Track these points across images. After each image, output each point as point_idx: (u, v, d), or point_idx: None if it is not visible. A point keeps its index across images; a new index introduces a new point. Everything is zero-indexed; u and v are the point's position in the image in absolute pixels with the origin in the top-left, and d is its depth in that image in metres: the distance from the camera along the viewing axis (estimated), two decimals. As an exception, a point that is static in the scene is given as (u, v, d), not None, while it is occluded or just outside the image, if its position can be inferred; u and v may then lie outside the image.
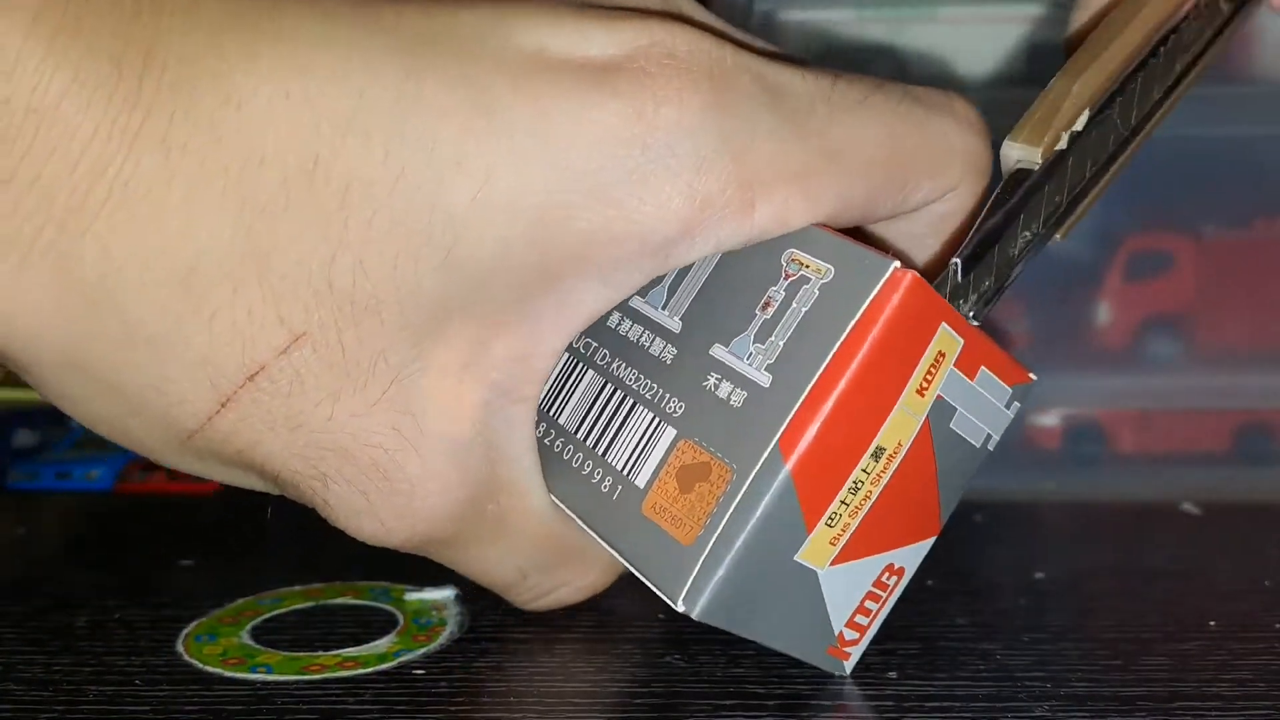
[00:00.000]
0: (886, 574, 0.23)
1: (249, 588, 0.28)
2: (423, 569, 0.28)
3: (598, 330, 0.24)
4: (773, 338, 0.21)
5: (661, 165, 0.20)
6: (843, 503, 0.21)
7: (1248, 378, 0.38)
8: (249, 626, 0.26)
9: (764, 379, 0.21)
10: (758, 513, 0.21)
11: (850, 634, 0.23)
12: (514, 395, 0.22)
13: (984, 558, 0.30)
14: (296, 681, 0.23)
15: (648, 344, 0.23)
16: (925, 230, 0.24)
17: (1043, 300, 0.38)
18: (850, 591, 0.23)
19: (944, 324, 0.21)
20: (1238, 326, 0.38)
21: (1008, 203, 0.22)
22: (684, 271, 0.23)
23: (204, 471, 0.22)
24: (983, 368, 0.23)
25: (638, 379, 0.23)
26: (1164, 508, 0.33)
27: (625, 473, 0.22)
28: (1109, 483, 0.37)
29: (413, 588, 0.28)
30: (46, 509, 0.36)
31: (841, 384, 0.20)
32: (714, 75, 0.21)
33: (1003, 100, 0.35)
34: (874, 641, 0.24)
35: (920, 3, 0.35)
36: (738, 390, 0.21)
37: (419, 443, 0.21)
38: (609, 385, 0.23)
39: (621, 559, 0.22)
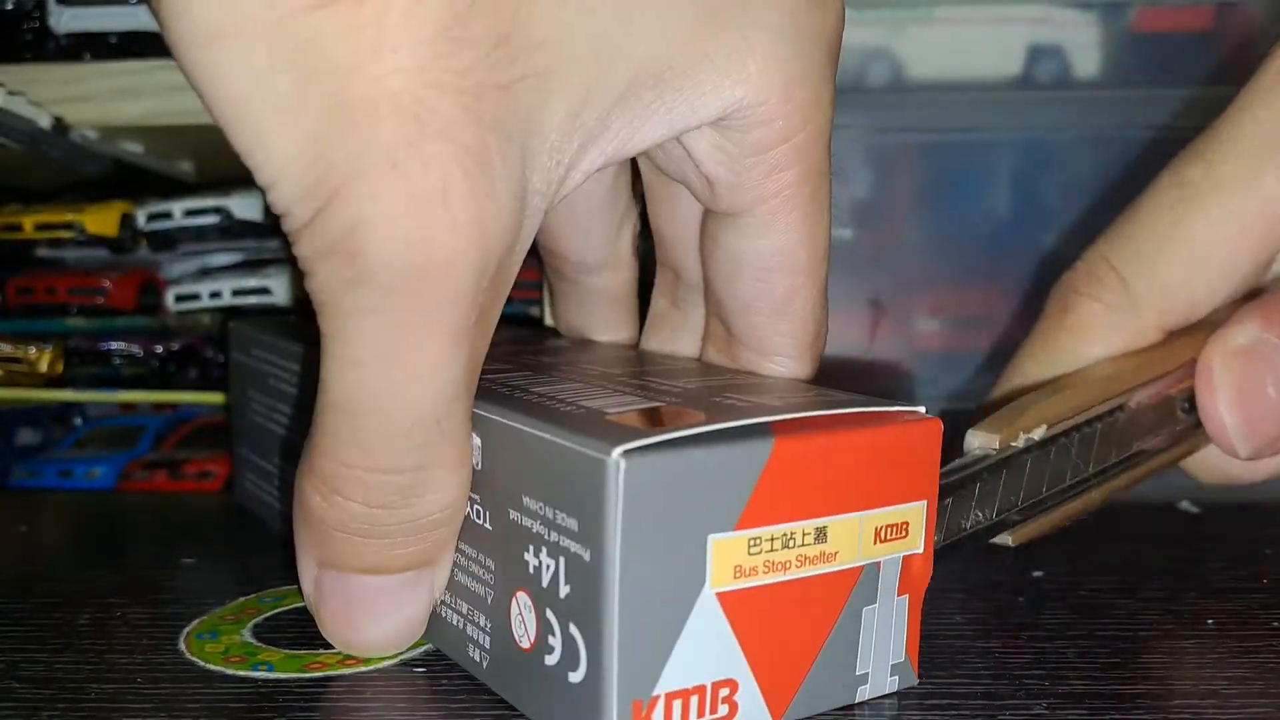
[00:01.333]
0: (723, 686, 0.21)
1: (251, 586, 0.28)
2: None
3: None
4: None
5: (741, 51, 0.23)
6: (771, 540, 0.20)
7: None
8: (251, 624, 0.26)
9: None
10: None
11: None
12: (547, 191, 0.22)
13: (982, 556, 0.30)
14: (298, 679, 0.23)
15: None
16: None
17: (1040, 301, 0.38)
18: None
19: (927, 500, 0.22)
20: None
21: (964, 471, 0.24)
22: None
23: (270, 75, 0.19)
24: (908, 596, 0.23)
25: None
26: (1163, 506, 0.33)
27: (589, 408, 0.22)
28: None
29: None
30: (49, 507, 0.37)
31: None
32: None
33: (1002, 101, 0.36)
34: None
35: (918, 4, 0.35)
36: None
37: (504, 158, 0.20)
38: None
39: (542, 435, 0.21)
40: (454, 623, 0.24)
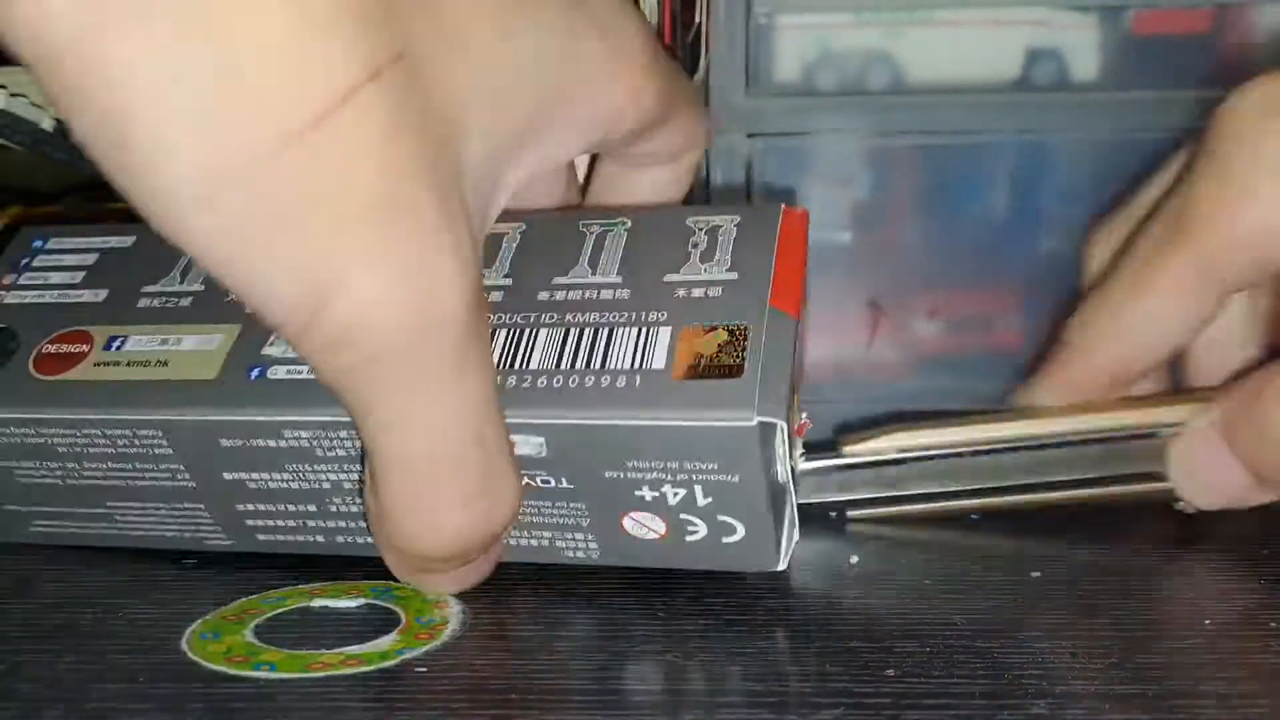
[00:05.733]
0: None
1: (252, 586, 0.28)
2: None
3: (532, 304, 0.26)
4: (717, 256, 0.26)
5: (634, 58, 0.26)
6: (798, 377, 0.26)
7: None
8: (252, 625, 0.26)
9: (731, 275, 0.26)
10: (789, 347, 0.24)
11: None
12: (481, 214, 0.24)
13: (980, 557, 0.30)
14: (300, 679, 0.23)
15: (595, 296, 0.26)
16: (664, 182, 0.30)
17: (1042, 301, 0.38)
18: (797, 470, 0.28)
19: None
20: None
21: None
22: (597, 250, 0.27)
23: (235, 226, 0.20)
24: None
25: (603, 316, 0.25)
26: (1162, 507, 0.33)
27: (637, 367, 0.24)
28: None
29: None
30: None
31: (792, 265, 0.26)
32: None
33: (1000, 103, 0.36)
34: (871, 639, 0.25)
35: (918, 6, 0.35)
36: (712, 288, 0.26)
37: (453, 213, 0.22)
38: (574, 330, 0.25)
39: (671, 422, 0.24)
40: (536, 545, 0.27)
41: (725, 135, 0.35)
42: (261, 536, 0.29)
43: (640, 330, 0.25)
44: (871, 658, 0.24)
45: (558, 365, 0.25)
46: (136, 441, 0.27)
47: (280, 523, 0.29)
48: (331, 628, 0.26)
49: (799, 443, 0.29)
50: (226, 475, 0.27)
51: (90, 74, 0.19)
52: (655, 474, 0.24)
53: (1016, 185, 0.37)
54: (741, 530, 0.25)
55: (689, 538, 0.26)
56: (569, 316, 0.26)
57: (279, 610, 0.27)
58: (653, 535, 0.26)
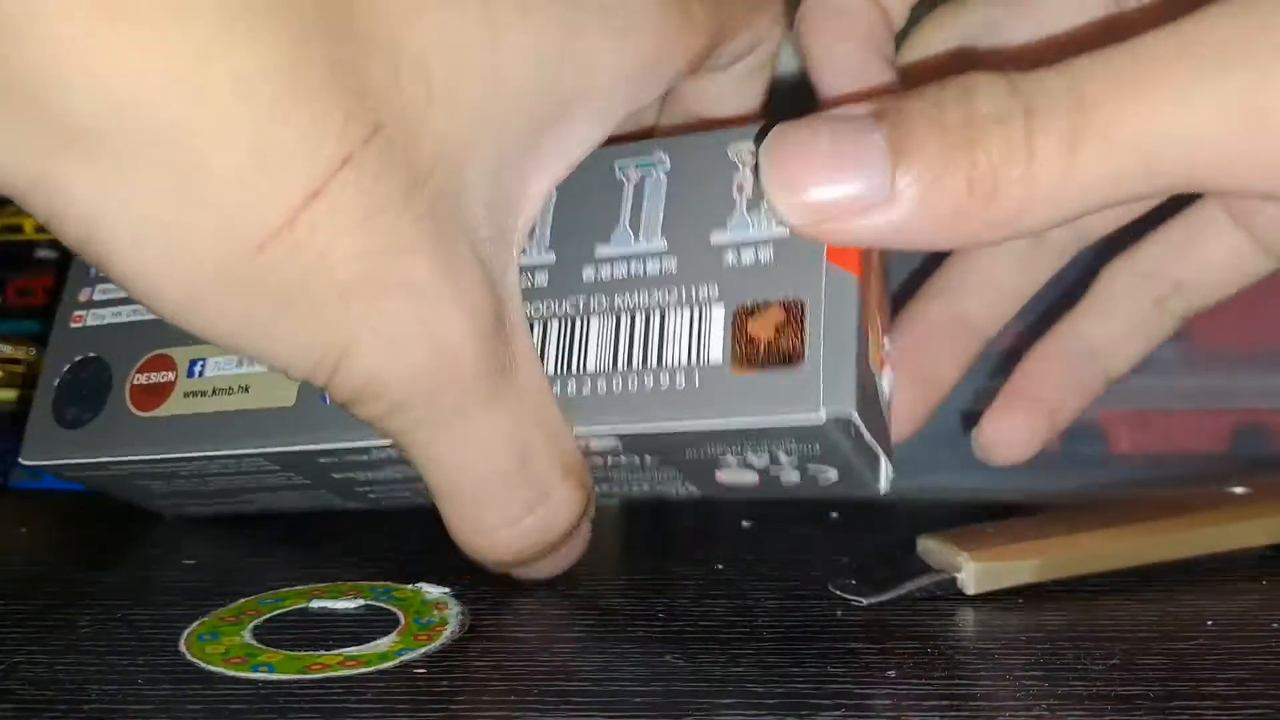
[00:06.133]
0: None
1: (251, 587, 0.28)
2: (421, 570, 0.28)
3: (579, 287, 0.25)
4: (764, 205, 0.24)
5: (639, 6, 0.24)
6: (875, 308, 0.24)
7: (1246, 379, 0.38)
8: (251, 626, 0.26)
9: (781, 231, 0.24)
10: (853, 313, 0.23)
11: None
12: (506, 236, 0.24)
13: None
14: (298, 680, 0.23)
15: (643, 271, 0.25)
16: (737, 84, 0.28)
17: (1041, 301, 0.38)
18: (886, 399, 0.26)
19: None
20: (1236, 327, 0.38)
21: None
22: (637, 208, 0.25)
23: (238, 316, 0.21)
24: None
25: (652, 296, 0.24)
26: (1161, 506, 0.33)
27: (694, 362, 0.24)
28: (1107, 483, 0.37)
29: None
30: (49, 508, 0.37)
31: None
32: None
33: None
34: (873, 640, 0.25)
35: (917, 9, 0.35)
36: (762, 250, 0.24)
37: (455, 259, 0.22)
38: (625, 316, 0.25)
39: (736, 424, 0.23)
40: (639, 490, 0.28)
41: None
42: (385, 502, 0.30)
43: (693, 311, 0.24)
44: (872, 658, 0.24)
45: (614, 365, 0.24)
46: (244, 464, 0.28)
47: (399, 490, 0.30)
48: (330, 629, 0.26)
49: (886, 376, 0.27)
50: (335, 475, 0.28)
51: (56, 213, 0.20)
52: (735, 449, 0.24)
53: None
54: (834, 474, 0.25)
55: (784, 482, 0.26)
56: (618, 299, 0.25)
57: (278, 611, 0.27)
58: (749, 482, 0.26)
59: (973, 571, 0.26)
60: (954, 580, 0.26)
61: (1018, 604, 0.27)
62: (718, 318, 0.24)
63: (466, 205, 0.22)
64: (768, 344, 0.23)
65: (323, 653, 0.25)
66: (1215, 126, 0.20)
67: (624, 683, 0.23)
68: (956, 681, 0.23)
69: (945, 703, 0.22)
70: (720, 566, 0.29)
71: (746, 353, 0.23)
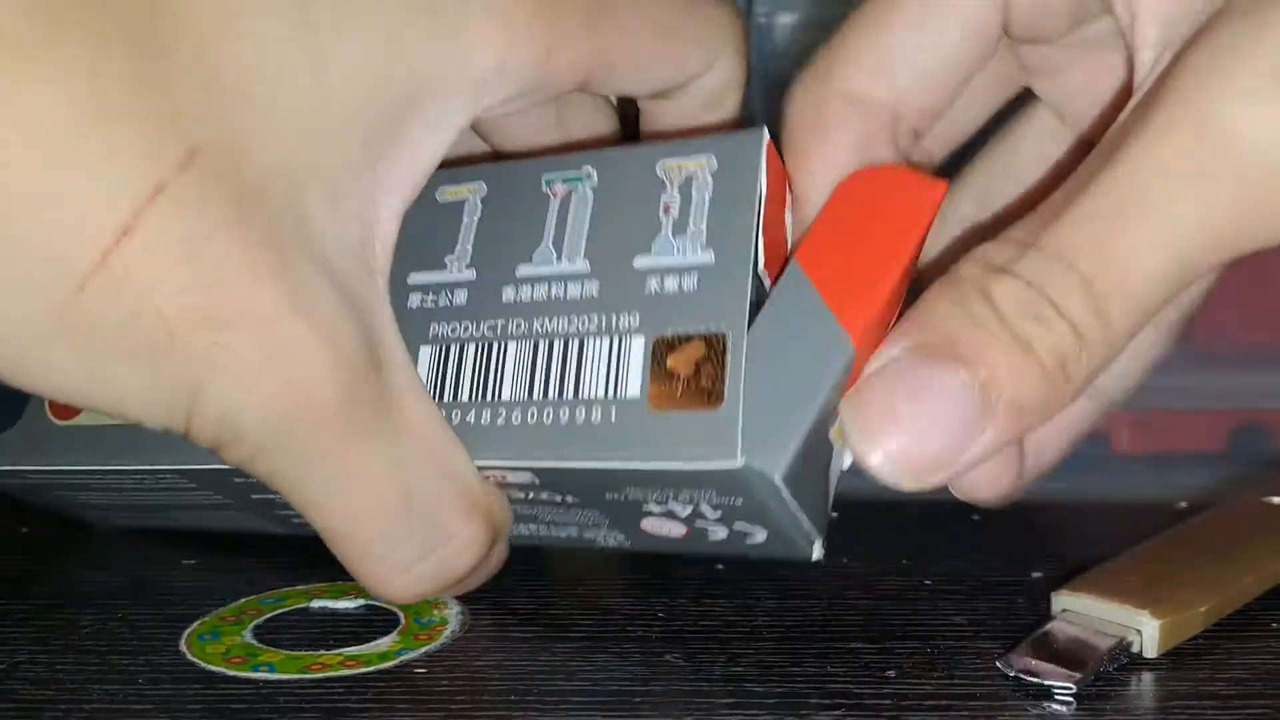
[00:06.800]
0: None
1: (251, 587, 0.28)
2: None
3: (499, 308, 0.24)
4: (691, 227, 0.23)
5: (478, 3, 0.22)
6: None
7: (1245, 378, 0.38)
8: (251, 625, 0.26)
9: (707, 257, 0.22)
10: (831, 377, 0.21)
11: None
12: (368, 264, 0.22)
13: (981, 557, 0.30)
14: (299, 680, 0.23)
15: (563, 294, 0.23)
16: (699, 109, 0.26)
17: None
18: (838, 472, 0.24)
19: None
20: (1235, 327, 0.38)
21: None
22: (561, 226, 0.24)
23: (75, 368, 0.20)
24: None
25: (572, 322, 0.23)
26: (1161, 507, 0.33)
27: (612, 396, 0.22)
28: (1106, 482, 0.37)
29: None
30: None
31: (770, 227, 0.23)
32: None
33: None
34: (872, 640, 0.25)
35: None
36: (686, 277, 0.22)
37: (304, 287, 0.20)
38: (544, 342, 0.23)
39: (651, 466, 0.21)
40: (566, 536, 0.26)
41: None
42: (307, 529, 0.29)
43: (613, 340, 0.22)
44: (872, 658, 0.24)
45: (530, 394, 0.23)
46: (161, 480, 0.27)
47: None
48: (331, 629, 0.26)
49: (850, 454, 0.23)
50: (254, 497, 0.27)
51: None
52: (656, 496, 0.23)
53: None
54: (762, 534, 0.23)
55: (711, 538, 0.24)
56: (537, 324, 0.23)
57: (278, 611, 0.27)
58: (675, 535, 0.24)
59: (1154, 630, 0.23)
60: (1127, 643, 0.23)
61: (1017, 603, 0.27)
62: (637, 349, 0.22)
63: (312, 231, 0.21)
64: (686, 380, 0.21)
65: (323, 652, 0.25)
66: (1199, 218, 0.20)
67: (624, 683, 0.23)
68: (955, 681, 0.23)
69: (944, 702, 0.22)
70: (720, 566, 0.29)
71: (665, 389, 0.22)
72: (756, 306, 0.22)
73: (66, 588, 0.29)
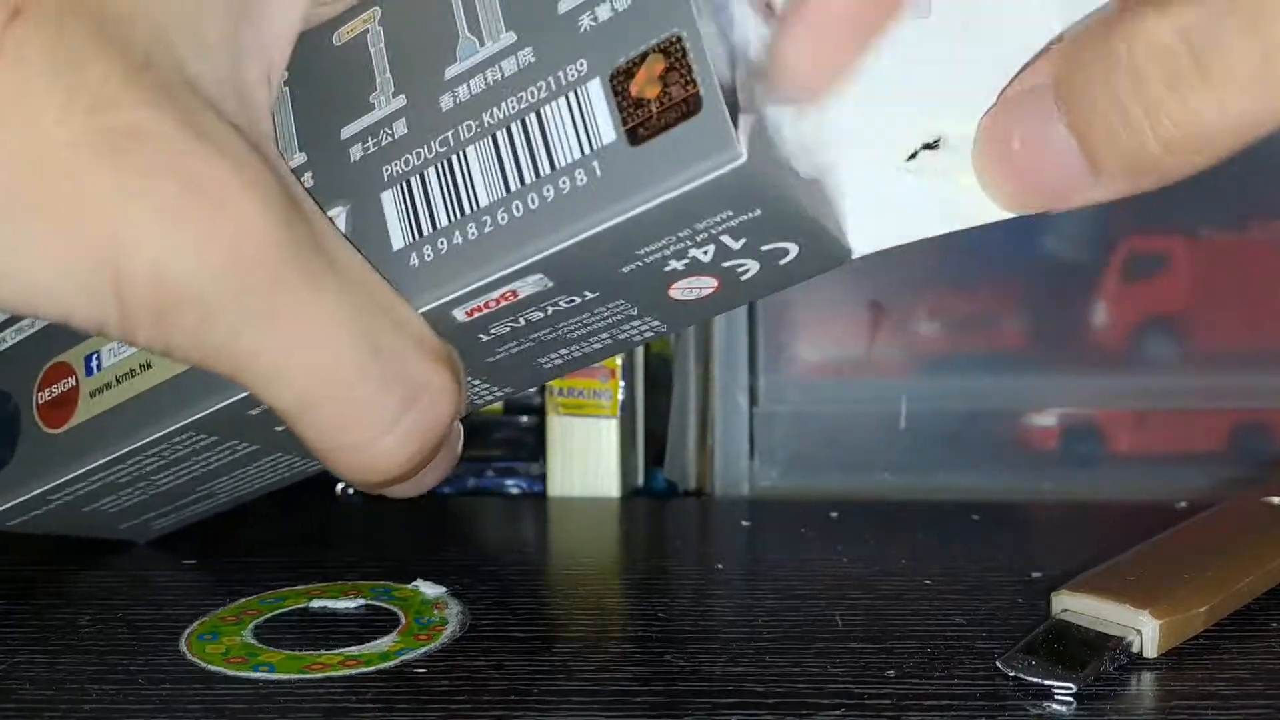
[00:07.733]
0: None
1: (251, 587, 0.28)
2: (421, 569, 0.28)
3: (443, 120, 0.23)
4: None
5: None
6: None
7: (1244, 378, 0.38)
8: (251, 625, 0.26)
9: None
10: (731, 23, 0.20)
11: None
12: (256, 124, 0.21)
13: (981, 557, 0.30)
14: (298, 680, 0.23)
15: (501, 75, 0.22)
16: None
17: (1040, 301, 0.38)
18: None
19: None
20: (1234, 327, 0.38)
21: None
22: (470, 10, 0.22)
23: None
24: None
25: (521, 100, 0.22)
26: (1160, 507, 0.33)
27: (588, 151, 0.21)
28: (1106, 482, 0.37)
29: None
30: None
31: None
32: None
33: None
34: (872, 640, 0.25)
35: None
36: (617, 2, 0.21)
37: (202, 114, 0.19)
38: (500, 132, 0.22)
39: (656, 200, 0.20)
40: (600, 348, 0.25)
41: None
42: None
43: (568, 97, 0.21)
44: (872, 658, 0.24)
45: (507, 189, 0.21)
46: (178, 446, 0.26)
47: None
48: (330, 629, 0.26)
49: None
50: (278, 429, 0.26)
51: None
52: (672, 246, 0.22)
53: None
54: (794, 247, 0.22)
55: (745, 277, 0.23)
56: (486, 118, 0.22)
57: (278, 611, 0.27)
58: (708, 291, 0.23)
59: (1154, 630, 0.24)
60: (1128, 643, 0.24)
61: (1017, 603, 0.27)
62: (596, 92, 0.21)
63: (190, 74, 0.19)
64: (658, 99, 0.20)
65: (323, 652, 0.25)
66: None
67: (624, 683, 0.23)
68: (955, 680, 0.23)
69: (944, 702, 0.22)
70: (720, 566, 0.29)
71: (639, 116, 0.20)
72: None
73: (66, 588, 0.29)
